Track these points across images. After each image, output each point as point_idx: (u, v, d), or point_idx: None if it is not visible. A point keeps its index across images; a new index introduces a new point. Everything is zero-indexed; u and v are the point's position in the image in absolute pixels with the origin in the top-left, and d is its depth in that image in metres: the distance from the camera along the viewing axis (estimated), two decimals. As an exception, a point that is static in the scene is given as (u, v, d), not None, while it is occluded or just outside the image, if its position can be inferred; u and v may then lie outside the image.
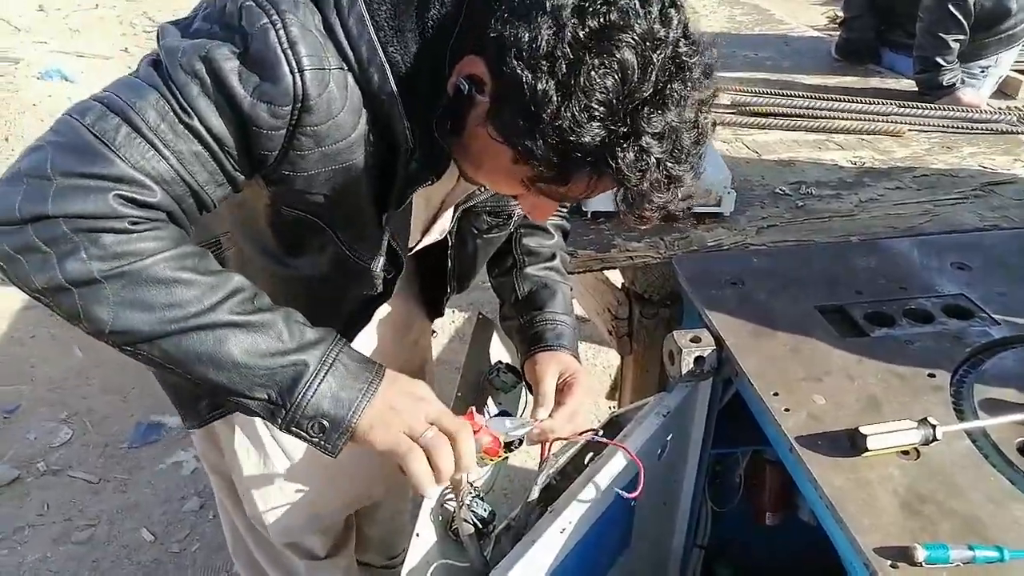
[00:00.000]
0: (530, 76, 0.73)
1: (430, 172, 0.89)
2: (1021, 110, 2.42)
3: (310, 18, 0.78)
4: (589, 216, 1.56)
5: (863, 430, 0.97)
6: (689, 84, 0.76)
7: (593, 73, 0.72)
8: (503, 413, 1.24)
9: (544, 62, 0.72)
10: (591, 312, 1.73)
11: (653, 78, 0.74)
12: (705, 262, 1.43)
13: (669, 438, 1.30)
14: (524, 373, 1.20)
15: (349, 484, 1.30)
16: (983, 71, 2.37)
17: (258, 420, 1.15)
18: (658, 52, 0.74)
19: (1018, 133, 2.00)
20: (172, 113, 0.76)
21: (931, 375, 1.13)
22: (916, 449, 0.99)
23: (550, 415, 1.11)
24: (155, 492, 2.41)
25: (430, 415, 0.91)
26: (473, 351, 1.37)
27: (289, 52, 0.76)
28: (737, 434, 1.43)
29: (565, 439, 1.13)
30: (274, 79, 0.77)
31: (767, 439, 1.16)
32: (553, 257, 1.26)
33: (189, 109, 0.76)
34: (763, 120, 2.04)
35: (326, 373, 0.84)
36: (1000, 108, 2.18)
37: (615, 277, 1.63)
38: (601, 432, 1.18)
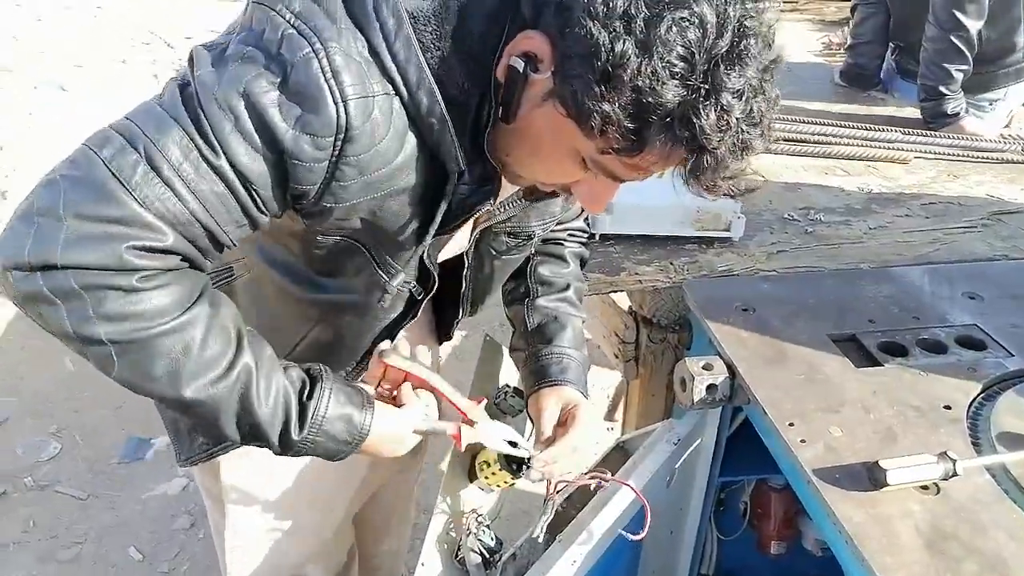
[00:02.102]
0: (607, 37, 0.70)
1: (485, 194, 0.87)
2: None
3: (353, 45, 0.76)
4: (598, 239, 1.54)
5: (883, 464, 0.95)
6: (761, 42, 0.74)
7: (674, 27, 0.70)
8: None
9: (619, 21, 0.70)
10: (597, 336, 1.71)
11: (729, 34, 0.72)
12: (716, 287, 1.41)
13: (677, 466, 1.28)
14: (528, 408, 1.18)
15: (345, 507, 1.27)
16: (991, 104, 2.38)
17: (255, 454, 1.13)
18: (731, 6, 0.72)
19: (1023, 162, 2.01)
20: (197, 151, 0.73)
21: (947, 407, 1.12)
22: (936, 484, 0.97)
23: (552, 447, 1.08)
24: (144, 509, 2.36)
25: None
26: (480, 373, 1.34)
27: (332, 82, 0.74)
28: (744, 461, 1.41)
29: (570, 481, 1.11)
30: (317, 110, 0.74)
31: (774, 467, 1.14)
32: (567, 288, 1.24)
33: (217, 147, 0.74)
34: (769, 145, 2.04)
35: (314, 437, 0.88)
36: (1005, 137, 2.19)
37: (622, 300, 1.61)
38: (609, 473, 1.15)
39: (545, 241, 1.25)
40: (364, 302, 0.98)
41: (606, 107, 0.72)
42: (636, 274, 1.46)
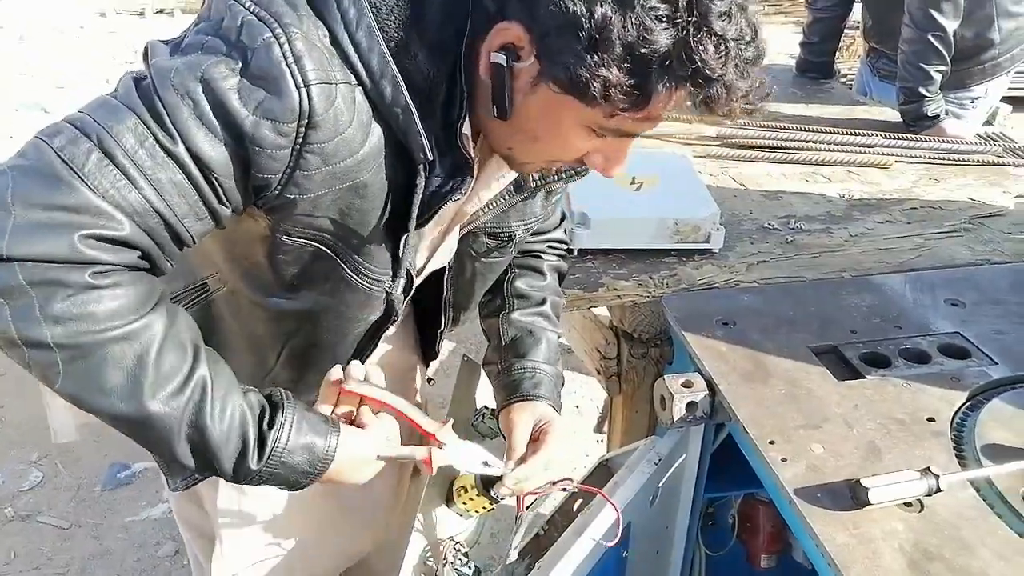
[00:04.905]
0: (584, 7, 0.70)
1: (457, 185, 0.85)
2: (1005, 139, 2.43)
3: (315, 32, 0.75)
4: (576, 254, 1.52)
5: (865, 482, 0.93)
6: None
7: None
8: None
9: None
10: (580, 351, 1.69)
11: None
12: (695, 301, 1.39)
13: (661, 484, 1.26)
14: (499, 423, 1.16)
15: (337, 538, 1.23)
16: (973, 102, 2.39)
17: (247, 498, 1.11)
18: None
19: (1004, 164, 2.00)
20: (152, 138, 0.71)
21: (930, 419, 1.10)
22: (919, 501, 0.95)
23: (526, 463, 1.07)
24: (129, 537, 2.32)
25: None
26: (457, 396, 1.32)
27: (294, 67, 0.72)
28: (730, 476, 1.39)
29: (538, 493, 1.09)
30: (279, 95, 0.73)
31: (762, 482, 1.12)
32: (543, 302, 1.21)
33: (174, 133, 0.71)
34: (749, 153, 2.03)
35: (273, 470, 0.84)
36: (985, 137, 2.18)
37: (603, 315, 1.59)
38: (575, 481, 1.14)
39: (524, 253, 1.23)
40: (337, 308, 0.95)
41: (603, 72, 0.71)
42: (615, 289, 1.44)
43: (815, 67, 2.75)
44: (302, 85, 0.73)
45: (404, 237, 0.88)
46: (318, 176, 0.78)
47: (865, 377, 1.18)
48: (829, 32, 2.70)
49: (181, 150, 0.72)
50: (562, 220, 1.28)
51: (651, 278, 1.47)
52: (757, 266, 1.52)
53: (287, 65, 0.72)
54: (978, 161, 1.99)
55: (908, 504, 0.95)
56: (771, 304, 1.37)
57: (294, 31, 0.73)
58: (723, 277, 1.48)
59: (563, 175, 1.02)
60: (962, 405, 1.13)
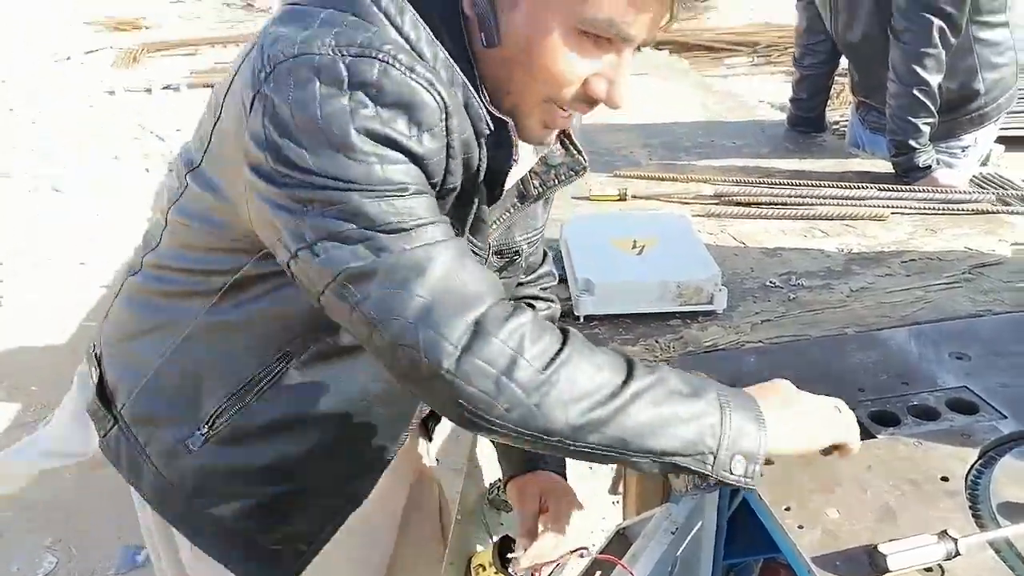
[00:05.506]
0: None
1: (508, 149, 0.88)
2: (1000, 180, 2.47)
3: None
4: (582, 320, 1.54)
5: (882, 548, 0.93)
6: None
7: None
8: (506, 537, 1.18)
9: None
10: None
11: None
12: (701, 365, 1.40)
13: (679, 554, 1.25)
14: (507, 494, 1.17)
15: None
16: (963, 151, 2.43)
17: None
18: None
19: (999, 212, 2.03)
20: (390, 200, 0.75)
21: (944, 479, 1.10)
22: (939, 565, 0.95)
23: (539, 536, 1.07)
24: (142, 622, 2.30)
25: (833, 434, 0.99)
26: (469, 470, 1.33)
27: (413, 75, 0.77)
28: (748, 541, 1.38)
29: (554, 561, 1.09)
30: (420, 107, 0.77)
31: (780, 549, 1.11)
32: None
33: (394, 185, 0.76)
34: (747, 209, 2.06)
35: (729, 411, 0.87)
36: (980, 180, 2.21)
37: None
38: (592, 546, 1.14)
39: (516, 300, 1.25)
40: None
41: None
42: (622, 355, 1.46)
43: (806, 122, 2.81)
44: (428, 86, 0.77)
45: (481, 213, 0.93)
46: (455, 165, 0.83)
47: (875, 436, 1.19)
48: (817, 88, 2.77)
49: (412, 190, 0.77)
50: (545, 256, 1.33)
51: (657, 342, 1.49)
52: (761, 325, 1.54)
53: (409, 78, 0.76)
54: (973, 210, 2.03)
55: (928, 569, 0.95)
56: (777, 365, 1.39)
57: (387, 47, 0.77)
58: (728, 338, 1.50)
59: (561, 178, 1.04)
60: (975, 463, 1.13)
